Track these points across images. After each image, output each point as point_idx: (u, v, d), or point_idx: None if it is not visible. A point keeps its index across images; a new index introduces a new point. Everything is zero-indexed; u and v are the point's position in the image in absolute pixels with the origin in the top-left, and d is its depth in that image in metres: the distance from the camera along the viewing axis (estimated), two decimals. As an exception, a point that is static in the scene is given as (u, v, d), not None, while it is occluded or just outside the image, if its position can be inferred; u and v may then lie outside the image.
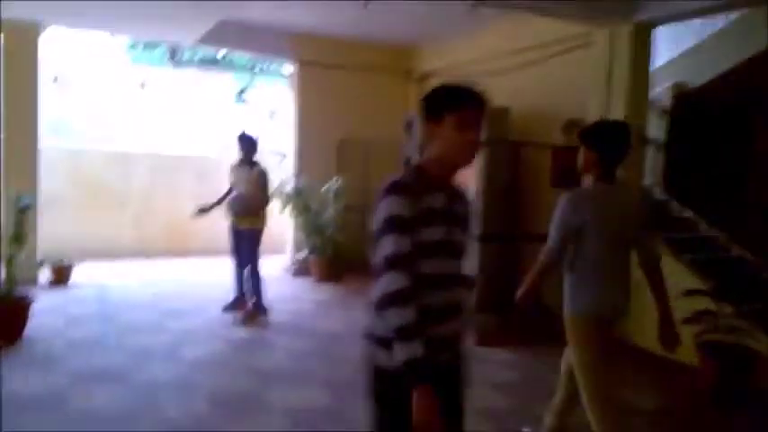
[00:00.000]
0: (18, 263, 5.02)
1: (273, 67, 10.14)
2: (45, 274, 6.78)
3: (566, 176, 5.68)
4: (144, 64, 16.90)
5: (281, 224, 8.40)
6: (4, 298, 4.82)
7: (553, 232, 2.84)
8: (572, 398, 3.07)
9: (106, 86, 12.37)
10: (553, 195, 5.74)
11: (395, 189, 1.78)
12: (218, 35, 7.06)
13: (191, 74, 13.21)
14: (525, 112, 6.23)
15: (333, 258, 7.78)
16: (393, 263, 1.72)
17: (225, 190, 5.99)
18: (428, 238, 1.78)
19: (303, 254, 7.98)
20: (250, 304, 5.90)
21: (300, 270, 8.03)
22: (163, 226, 8.89)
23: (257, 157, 5.93)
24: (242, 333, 5.45)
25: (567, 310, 2.86)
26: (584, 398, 2.82)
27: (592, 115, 5.46)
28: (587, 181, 2.94)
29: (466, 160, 1.86)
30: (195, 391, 4.04)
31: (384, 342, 1.78)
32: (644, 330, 4.93)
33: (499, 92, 6.61)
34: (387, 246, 1.73)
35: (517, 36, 6.53)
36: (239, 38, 7.70)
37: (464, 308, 1.94)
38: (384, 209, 1.76)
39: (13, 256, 4.90)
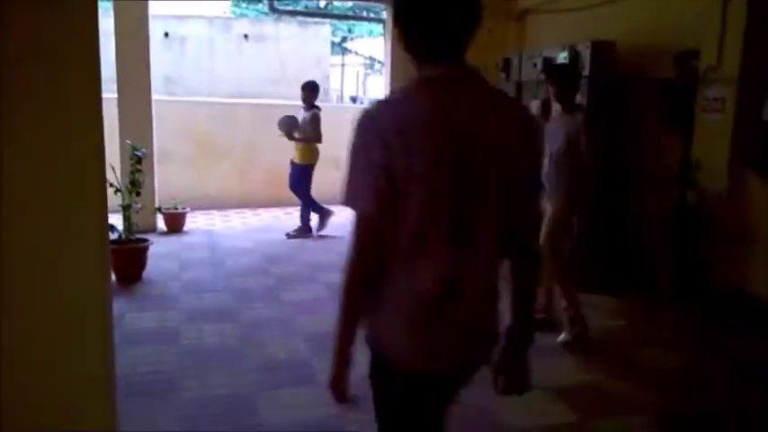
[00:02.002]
0: (137, 211, 5.45)
1: (374, 15, 10.04)
2: (161, 222, 7.32)
3: (677, 114, 5.24)
4: (247, 17, 17.32)
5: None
6: (124, 242, 5.27)
7: None
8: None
9: (212, 40, 12.85)
10: (666, 135, 5.39)
11: None
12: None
13: (292, 25, 13.40)
14: (633, 45, 5.75)
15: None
16: None
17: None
18: None
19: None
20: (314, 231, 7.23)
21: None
22: (265, 175, 9.24)
23: (316, 102, 7.12)
24: (337, 277, 5.61)
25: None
26: None
27: (707, 45, 4.96)
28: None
29: None
30: (293, 329, 4.26)
31: None
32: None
33: (604, 25, 6.17)
34: None
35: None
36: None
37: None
38: None
39: (129, 204, 5.32)
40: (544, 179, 4.17)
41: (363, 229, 1.44)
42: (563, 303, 4.11)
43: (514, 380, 1.61)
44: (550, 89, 4.19)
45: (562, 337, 4.08)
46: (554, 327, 4.18)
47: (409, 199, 1.38)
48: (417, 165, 1.36)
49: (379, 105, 1.47)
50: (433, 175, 1.37)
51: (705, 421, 3.18)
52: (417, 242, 1.42)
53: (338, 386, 1.55)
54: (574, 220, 4.49)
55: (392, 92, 1.61)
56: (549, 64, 5.57)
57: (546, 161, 4.15)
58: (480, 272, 1.49)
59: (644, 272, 5.25)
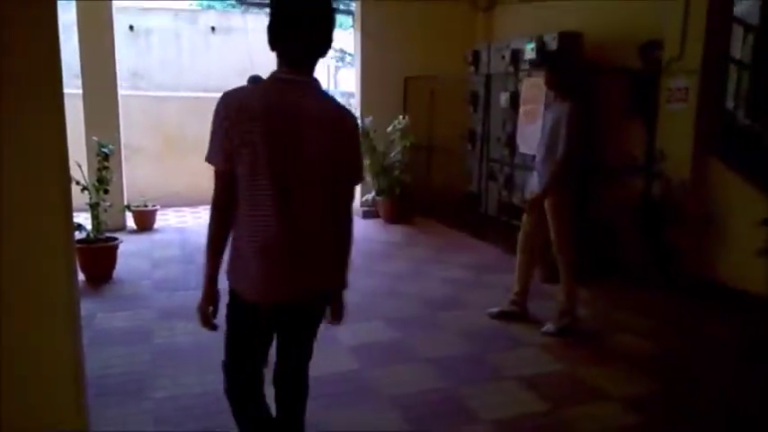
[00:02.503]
0: (105, 209, 5.35)
1: (343, 7, 9.98)
2: (131, 220, 7.19)
3: (642, 104, 5.34)
4: (214, 9, 17.06)
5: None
6: (92, 241, 5.17)
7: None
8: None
9: (178, 33, 12.61)
10: (630, 125, 5.49)
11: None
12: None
13: (260, 16, 13.23)
14: (599, 36, 5.84)
15: (400, 199, 7.79)
16: None
17: None
18: None
19: (370, 196, 8.02)
20: None
21: (369, 212, 8.11)
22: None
23: None
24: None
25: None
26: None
27: (670, 35, 5.06)
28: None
29: None
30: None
31: None
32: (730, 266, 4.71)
33: (571, 16, 6.25)
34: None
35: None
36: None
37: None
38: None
39: (98, 202, 5.21)
40: (536, 166, 4.22)
41: (216, 180, 1.92)
42: (561, 295, 4.18)
43: (333, 313, 2.14)
44: (545, 77, 4.16)
45: (548, 326, 4.16)
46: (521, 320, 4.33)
47: (241, 162, 1.83)
48: (246, 136, 1.81)
49: (234, 91, 1.89)
50: (258, 149, 1.81)
51: (678, 405, 3.27)
52: (250, 199, 1.87)
53: (204, 311, 2.05)
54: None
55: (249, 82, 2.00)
56: (544, 53, 5.54)
57: (539, 148, 4.20)
58: (302, 227, 1.90)
59: (614, 259, 5.36)
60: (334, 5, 11.22)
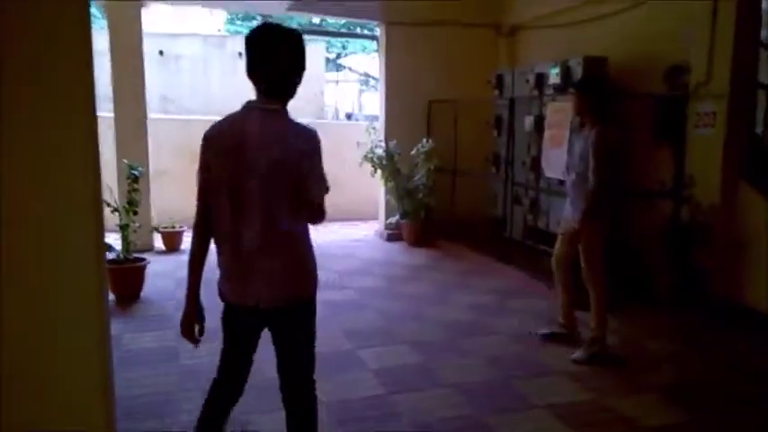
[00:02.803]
0: (134, 230, 5.45)
1: (368, 32, 10.15)
2: (159, 241, 7.30)
3: (668, 128, 5.29)
4: (241, 35, 17.41)
5: (372, 189, 8.49)
6: (122, 262, 5.26)
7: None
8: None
9: (207, 59, 12.90)
10: (657, 149, 5.44)
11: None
12: (307, 1, 7.12)
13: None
14: (624, 61, 5.83)
15: (424, 222, 7.79)
16: None
17: None
18: None
19: (395, 218, 8.04)
20: None
21: (392, 235, 8.12)
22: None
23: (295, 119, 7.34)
24: (338, 295, 5.63)
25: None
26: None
27: (697, 60, 5.03)
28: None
29: None
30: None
31: None
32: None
33: (596, 41, 6.25)
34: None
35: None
36: (327, 2, 7.70)
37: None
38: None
39: (127, 223, 5.31)
40: (568, 192, 4.21)
41: (199, 198, 2.23)
42: (592, 322, 4.13)
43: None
44: (574, 102, 4.15)
45: (578, 354, 4.10)
46: (571, 341, 4.30)
47: (214, 188, 2.14)
48: (215, 163, 2.13)
49: (216, 122, 2.19)
50: (221, 172, 2.11)
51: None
52: (220, 218, 2.15)
53: (185, 323, 2.32)
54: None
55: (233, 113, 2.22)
56: (586, 78, 5.44)
57: (569, 173, 4.19)
58: (269, 240, 2.12)
59: (643, 284, 5.27)
60: (360, 30, 11.32)
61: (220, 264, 2.24)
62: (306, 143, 2.12)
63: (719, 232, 4.82)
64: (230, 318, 2.32)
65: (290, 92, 2.18)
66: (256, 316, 2.24)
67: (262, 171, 2.07)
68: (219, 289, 2.28)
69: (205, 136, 2.17)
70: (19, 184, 2.00)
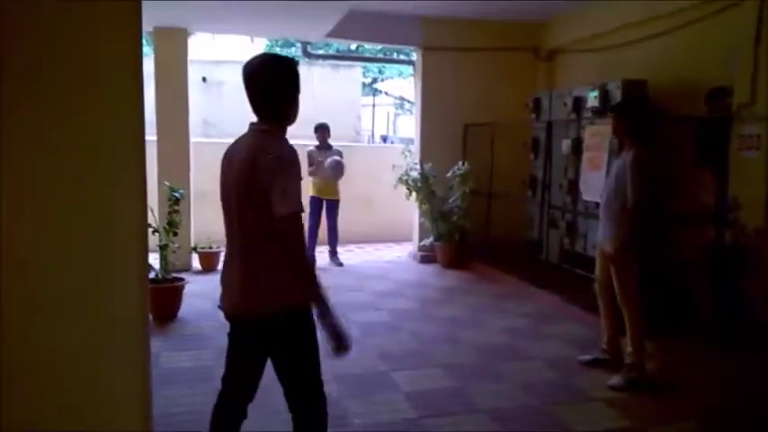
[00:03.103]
0: (173, 250, 5.58)
1: (404, 57, 10.29)
2: (196, 261, 7.44)
3: (710, 151, 5.18)
4: (280, 61, 17.71)
5: (407, 211, 8.51)
6: (160, 281, 5.38)
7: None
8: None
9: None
10: (698, 173, 5.33)
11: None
12: (344, 28, 7.27)
13: (325, 68, 13.72)
14: (664, 83, 5.75)
15: (458, 245, 7.76)
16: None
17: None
18: None
19: (429, 240, 8.02)
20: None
21: (426, 256, 8.10)
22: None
23: (331, 142, 7.74)
24: (372, 316, 5.63)
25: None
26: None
27: (740, 81, 4.92)
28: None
29: None
30: (326, 367, 4.24)
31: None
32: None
33: (635, 64, 6.19)
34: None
35: (652, 2, 6.02)
36: (364, 29, 7.85)
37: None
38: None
39: (167, 244, 5.45)
40: (600, 214, 4.17)
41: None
42: (628, 348, 4.05)
43: (333, 343, 2.29)
44: (613, 124, 4.14)
45: (615, 379, 4.00)
46: (614, 367, 4.19)
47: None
48: (220, 175, 2.40)
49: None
50: (221, 182, 2.40)
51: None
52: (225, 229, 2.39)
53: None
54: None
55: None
56: (624, 100, 5.39)
57: (603, 196, 4.17)
58: (240, 251, 2.28)
59: (685, 312, 5.12)
60: (394, 55, 11.47)
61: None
62: (271, 159, 2.17)
63: (764, 257, 4.66)
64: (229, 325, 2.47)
65: (283, 112, 2.32)
66: (234, 326, 2.41)
67: (234, 185, 2.27)
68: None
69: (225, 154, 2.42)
70: (69, 203, 2.09)
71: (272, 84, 2.28)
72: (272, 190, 2.15)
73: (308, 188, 7.34)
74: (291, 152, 2.23)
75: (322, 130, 7.69)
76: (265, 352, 2.38)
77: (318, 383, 2.40)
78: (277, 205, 2.15)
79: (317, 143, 7.72)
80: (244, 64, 2.32)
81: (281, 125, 2.32)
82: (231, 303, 2.34)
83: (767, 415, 3.63)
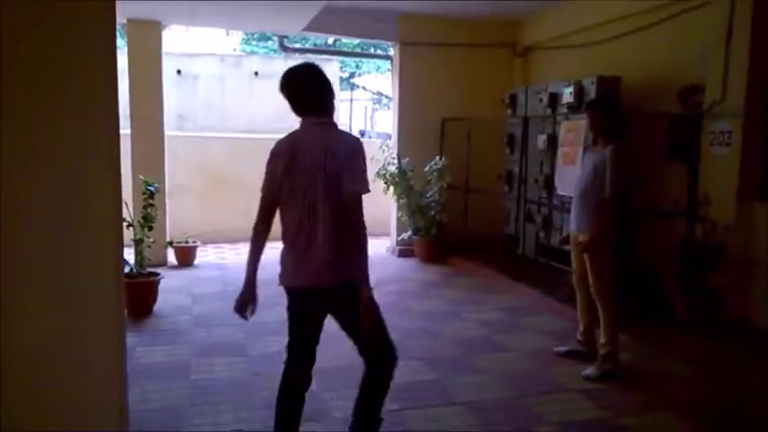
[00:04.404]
0: (148, 245, 5.51)
1: (381, 52, 10.28)
2: (172, 256, 7.36)
3: (682, 148, 5.28)
4: (257, 54, 17.69)
5: (385, 205, 8.51)
6: (135, 276, 5.31)
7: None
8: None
9: (223, 77, 13.08)
10: (669, 169, 5.43)
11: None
12: (321, 22, 7.22)
13: (301, 61, 13.64)
14: (637, 80, 5.84)
15: (436, 239, 7.79)
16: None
17: None
18: None
19: (407, 234, 8.04)
20: None
21: (405, 251, 8.12)
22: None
23: None
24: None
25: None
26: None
27: (712, 78, 5.02)
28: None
29: None
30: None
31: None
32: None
33: (609, 61, 6.27)
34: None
35: (625, 1, 6.10)
36: (341, 23, 7.82)
37: None
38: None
39: (142, 238, 5.37)
40: (572, 208, 4.24)
41: (261, 201, 2.76)
42: (602, 339, 4.11)
43: (362, 321, 2.64)
44: (590, 120, 4.20)
45: (589, 371, 4.07)
46: (590, 358, 4.24)
47: (281, 187, 2.63)
48: (281, 168, 2.61)
49: (283, 137, 2.72)
50: (285, 173, 2.61)
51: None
52: (285, 212, 2.66)
53: (242, 299, 2.81)
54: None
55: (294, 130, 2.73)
56: (600, 97, 5.47)
57: (576, 190, 4.24)
58: (319, 230, 2.54)
59: (656, 303, 5.22)
60: (375, 51, 11.42)
61: (281, 257, 2.72)
62: (348, 146, 2.56)
63: (734, 252, 4.77)
64: (289, 301, 2.80)
65: (332, 107, 2.71)
66: (307, 296, 2.72)
67: (311, 173, 2.53)
68: (280, 275, 2.73)
69: (272, 151, 2.68)
70: (44, 197, 2.06)
71: (321, 87, 2.67)
72: (346, 172, 2.50)
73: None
74: (360, 141, 2.63)
75: None
76: (339, 314, 2.74)
77: (386, 331, 2.82)
78: (352, 185, 2.50)
79: None
80: (287, 73, 2.68)
81: (332, 117, 2.70)
82: (311, 276, 2.60)
83: (737, 404, 3.73)
